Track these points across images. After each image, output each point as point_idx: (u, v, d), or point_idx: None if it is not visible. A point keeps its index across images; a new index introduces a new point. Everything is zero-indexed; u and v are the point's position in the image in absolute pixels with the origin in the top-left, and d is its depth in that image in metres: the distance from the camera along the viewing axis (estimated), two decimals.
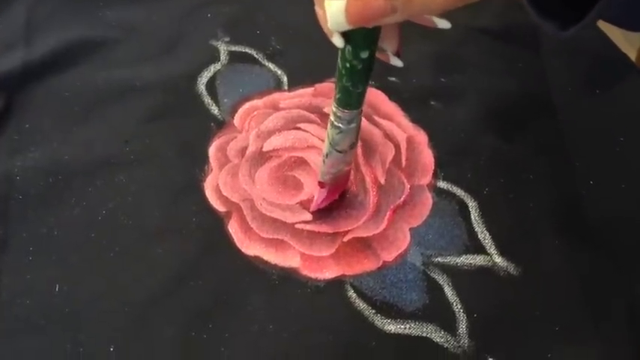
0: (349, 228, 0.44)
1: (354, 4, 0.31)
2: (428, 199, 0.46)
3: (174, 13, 0.57)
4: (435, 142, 0.49)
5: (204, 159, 0.47)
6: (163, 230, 0.43)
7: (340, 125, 0.39)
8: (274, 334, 0.39)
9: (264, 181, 0.46)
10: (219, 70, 0.53)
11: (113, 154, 0.47)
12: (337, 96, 0.38)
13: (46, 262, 0.41)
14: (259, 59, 0.54)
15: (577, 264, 0.43)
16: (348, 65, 0.35)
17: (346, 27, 0.32)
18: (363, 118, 0.49)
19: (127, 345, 0.38)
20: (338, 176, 0.43)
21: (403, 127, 0.50)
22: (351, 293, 0.41)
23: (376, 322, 0.40)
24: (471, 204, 0.45)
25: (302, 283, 0.41)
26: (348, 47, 0.34)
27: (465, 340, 0.39)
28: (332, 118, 0.39)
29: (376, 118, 0.50)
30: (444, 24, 0.37)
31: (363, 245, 0.43)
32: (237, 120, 0.50)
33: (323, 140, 0.48)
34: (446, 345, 0.39)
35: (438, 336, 0.39)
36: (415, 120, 0.50)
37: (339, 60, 0.36)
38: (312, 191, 0.45)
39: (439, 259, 0.43)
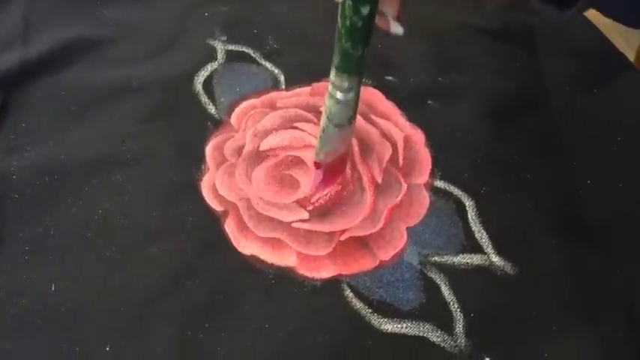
0: (346, 227, 0.44)
1: None
2: (425, 199, 0.45)
3: (172, 12, 0.57)
4: (432, 142, 0.49)
5: (201, 158, 0.47)
6: (160, 229, 0.43)
7: (338, 95, 0.38)
8: (271, 334, 0.39)
9: (260, 180, 0.46)
10: (216, 69, 0.53)
11: (110, 153, 0.47)
12: (336, 61, 0.37)
13: (42, 261, 0.41)
14: (256, 58, 0.54)
15: (574, 263, 0.43)
16: (347, 23, 0.35)
17: None
18: (361, 118, 0.49)
19: (123, 344, 0.38)
20: (335, 159, 0.42)
21: (400, 126, 0.50)
22: (348, 292, 0.41)
23: (373, 321, 0.40)
24: (468, 203, 0.45)
25: (298, 283, 0.41)
26: (349, 2, 0.34)
27: (461, 340, 0.39)
28: (330, 89, 0.38)
29: (373, 117, 0.50)
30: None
31: (360, 244, 0.43)
32: (234, 119, 0.50)
33: None
34: (443, 344, 0.39)
35: (434, 335, 0.39)
36: (412, 119, 0.50)
37: (338, 19, 0.35)
38: (309, 190, 0.45)
39: (436, 258, 0.43)
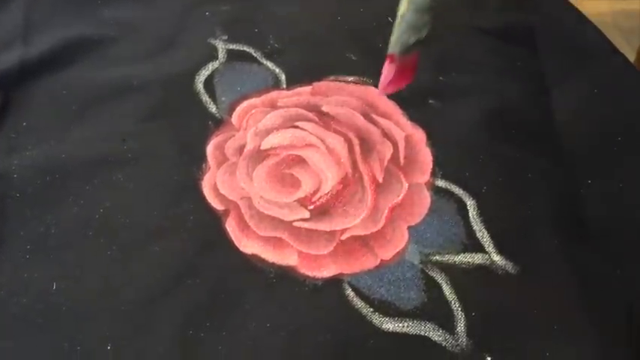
0: (347, 226, 0.44)
1: None
2: (426, 198, 0.45)
3: (173, 11, 0.57)
4: (433, 141, 0.49)
5: (202, 157, 0.47)
6: (161, 229, 0.43)
7: None
8: (272, 333, 0.39)
9: (262, 179, 0.46)
10: (217, 68, 0.53)
11: (111, 152, 0.47)
12: None
13: (43, 260, 0.41)
14: (257, 57, 0.54)
15: (575, 263, 0.43)
16: None
17: None
18: (362, 117, 0.49)
19: (124, 344, 0.38)
20: (407, 57, 0.40)
21: (402, 125, 0.50)
22: (349, 292, 0.41)
23: (374, 320, 0.40)
24: (469, 202, 0.45)
25: (300, 282, 0.41)
26: None
27: (463, 339, 0.39)
28: None
29: (374, 116, 0.50)
30: None
31: (361, 243, 0.43)
32: (235, 118, 0.50)
33: (321, 139, 0.48)
34: (444, 344, 0.39)
35: (436, 335, 0.39)
36: (414, 118, 0.50)
37: None
38: (310, 189, 0.45)
39: (437, 257, 0.43)
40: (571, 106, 0.52)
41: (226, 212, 0.44)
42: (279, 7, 0.58)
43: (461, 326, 0.40)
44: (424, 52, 0.54)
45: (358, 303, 0.40)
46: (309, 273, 0.42)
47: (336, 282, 0.41)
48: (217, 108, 0.50)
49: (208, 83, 0.52)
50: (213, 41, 0.55)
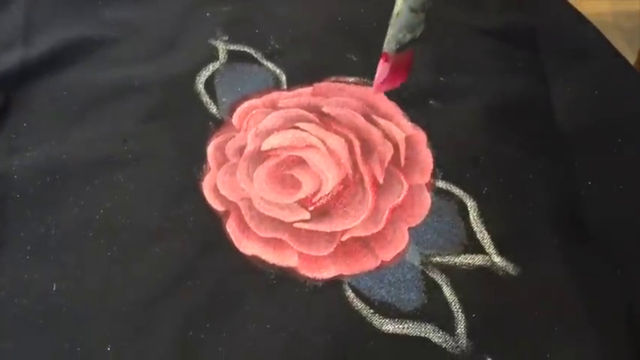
0: (347, 227, 0.44)
1: None
2: (427, 199, 0.45)
3: (173, 12, 0.57)
4: (434, 142, 0.49)
5: (203, 158, 0.47)
6: (161, 230, 0.43)
7: None
8: (272, 334, 0.39)
9: (262, 180, 0.46)
10: (217, 69, 0.53)
11: (111, 153, 0.47)
12: None
13: (43, 261, 0.41)
14: (258, 58, 0.54)
15: (576, 264, 0.43)
16: None
17: None
18: (362, 117, 0.49)
19: (124, 345, 0.38)
20: (401, 55, 0.40)
21: (402, 126, 0.50)
22: (349, 293, 0.41)
23: (374, 322, 0.40)
24: (469, 204, 0.45)
25: (300, 283, 0.41)
26: None
27: (463, 340, 0.39)
28: None
29: (375, 117, 0.50)
30: None
31: (362, 245, 0.43)
32: (235, 119, 0.50)
33: (321, 140, 0.48)
34: (444, 345, 0.39)
35: (436, 336, 0.39)
36: (414, 119, 0.50)
37: None
38: (311, 190, 0.45)
39: (438, 258, 0.43)
40: (571, 107, 0.52)
41: (227, 213, 0.44)
42: (279, 7, 0.58)
43: (461, 328, 0.40)
44: (424, 53, 0.55)
45: (358, 304, 0.40)
46: (310, 274, 0.42)
47: (336, 283, 0.41)
48: (218, 109, 0.50)
49: (209, 84, 0.52)
50: (213, 42, 0.55)
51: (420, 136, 0.49)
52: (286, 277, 0.41)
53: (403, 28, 0.39)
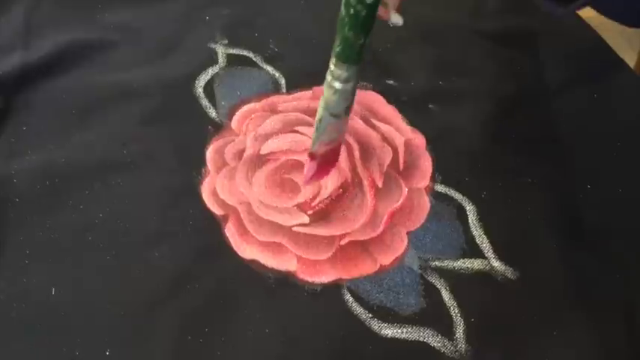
0: (346, 231, 0.44)
1: None
2: (426, 203, 0.45)
3: (173, 15, 0.57)
4: (433, 146, 0.49)
5: (202, 162, 0.47)
6: (160, 234, 0.43)
7: (336, 84, 0.38)
8: (270, 338, 0.39)
9: (261, 184, 0.46)
10: (217, 72, 0.53)
11: (110, 157, 0.47)
12: (337, 49, 0.37)
13: (42, 265, 0.41)
14: (257, 62, 0.54)
15: (574, 267, 0.43)
16: (351, 11, 0.35)
17: None
18: (361, 121, 0.49)
19: (123, 349, 0.38)
20: (329, 149, 0.41)
21: (401, 130, 0.50)
22: (348, 297, 0.41)
23: (373, 326, 0.40)
24: (468, 208, 0.45)
25: (299, 287, 0.41)
26: None
27: (462, 345, 0.39)
28: (328, 77, 0.38)
29: (374, 121, 0.50)
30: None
31: (361, 249, 0.43)
32: (234, 123, 0.50)
33: None
34: (443, 350, 0.39)
35: (435, 341, 0.39)
36: (413, 123, 0.50)
37: (342, 7, 0.35)
38: (310, 194, 0.45)
39: (436, 263, 0.43)
40: (571, 110, 0.52)
41: (226, 217, 0.44)
42: (279, 11, 0.58)
43: (460, 332, 0.40)
44: (424, 56, 0.55)
45: (357, 309, 0.40)
46: (309, 278, 0.41)
47: (335, 287, 0.41)
48: (217, 112, 0.50)
49: (208, 87, 0.52)
50: (213, 45, 0.55)
51: (419, 140, 0.49)
52: (285, 281, 0.41)
53: (327, 132, 0.40)
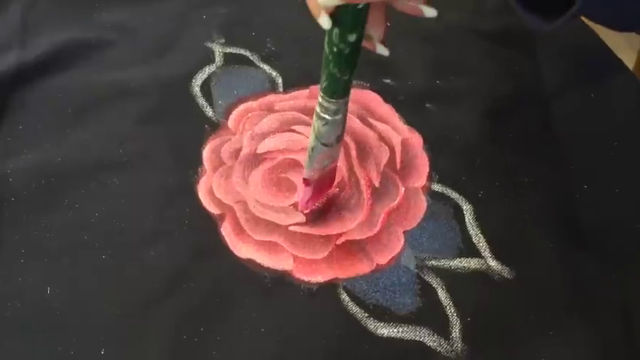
0: (343, 231, 0.44)
1: None
2: (422, 202, 0.45)
3: (169, 14, 0.57)
4: (429, 145, 0.49)
5: (198, 161, 0.47)
6: (156, 233, 0.43)
7: (326, 116, 0.38)
8: (266, 338, 0.39)
9: (257, 183, 0.46)
10: (214, 71, 0.53)
11: (107, 156, 0.47)
12: (323, 84, 0.37)
13: (37, 264, 0.41)
14: (254, 61, 0.54)
15: (571, 267, 0.43)
16: (335, 49, 0.35)
17: (337, 2, 0.32)
18: (358, 121, 0.49)
19: (118, 348, 0.38)
20: (323, 174, 0.42)
21: (398, 129, 0.50)
22: (344, 296, 0.41)
23: (369, 325, 0.40)
24: (465, 207, 0.45)
25: (295, 287, 0.41)
26: (336, 30, 0.34)
27: (458, 344, 0.39)
28: (317, 109, 0.39)
29: (371, 120, 0.50)
30: (430, 12, 0.37)
31: (357, 248, 0.43)
32: (231, 122, 0.50)
33: None
34: (439, 349, 0.39)
35: (431, 340, 0.39)
36: (410, 122, 0.50)
37: (325, 45, 0.35)
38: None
39: (433, 262, 0.43)
40: (568, 110, 0.52)
41: (222, 216, 0.44)
42: (276, 10, 0.58)
43: (456, 331, 0.40)
44: (421, 55, 0.55)
45: (353, 308, 0.40)
46: (305, 278, 0.41)
47: (331, 287, 0.41)
48: (214, 111, 0.50)
49: (205, 86, 0.52)
50: (210, 44, 0.55)
51: (416, 140, 0.49)
52: (281, 280, 0.41)
53: (320, 160, 0.41)
